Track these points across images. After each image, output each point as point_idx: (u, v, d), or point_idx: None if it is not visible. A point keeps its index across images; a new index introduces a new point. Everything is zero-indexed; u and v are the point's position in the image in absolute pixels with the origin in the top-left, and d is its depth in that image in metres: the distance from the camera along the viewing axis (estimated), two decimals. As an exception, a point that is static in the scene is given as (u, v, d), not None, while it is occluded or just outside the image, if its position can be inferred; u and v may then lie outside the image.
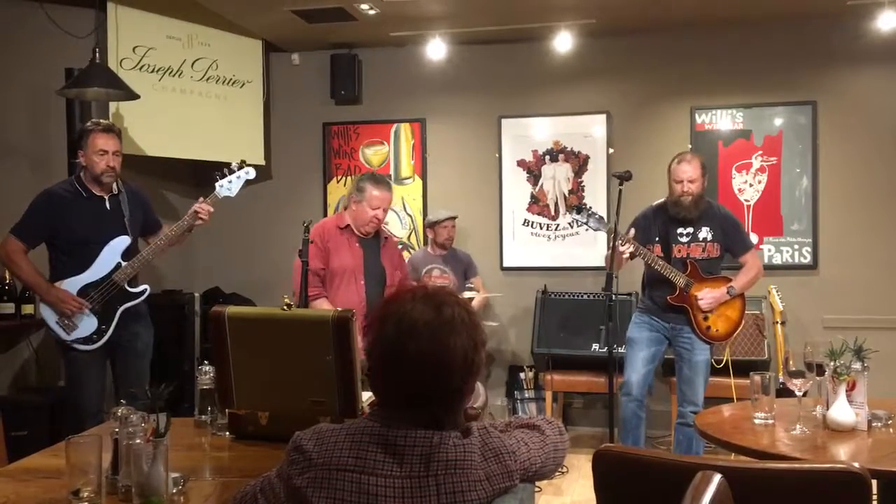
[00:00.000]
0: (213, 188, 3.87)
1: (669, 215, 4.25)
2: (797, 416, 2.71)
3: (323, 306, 3.77)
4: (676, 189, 4.19)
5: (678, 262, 4.21)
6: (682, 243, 4.23)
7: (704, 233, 4.22)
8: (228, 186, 3.86)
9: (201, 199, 3.82)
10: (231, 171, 3.87)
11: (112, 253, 3.76)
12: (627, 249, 4.05)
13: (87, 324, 3.74)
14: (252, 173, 3.95)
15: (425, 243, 5.73)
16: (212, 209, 3.80)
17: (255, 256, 6.23)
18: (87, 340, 3.74)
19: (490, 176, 6.04)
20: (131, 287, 3.83)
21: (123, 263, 3.77)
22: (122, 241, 3.79)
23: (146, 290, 3.90)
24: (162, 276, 5.76)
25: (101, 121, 3.92)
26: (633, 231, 4.17)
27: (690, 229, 4.23)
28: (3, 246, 3.76)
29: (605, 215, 5.48)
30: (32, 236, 3.76)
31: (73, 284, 3.72)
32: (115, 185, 3.84)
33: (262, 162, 5.95)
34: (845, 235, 5.52)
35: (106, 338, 3.77)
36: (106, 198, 3.82)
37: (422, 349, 1.48)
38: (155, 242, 3.86)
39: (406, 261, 4.84)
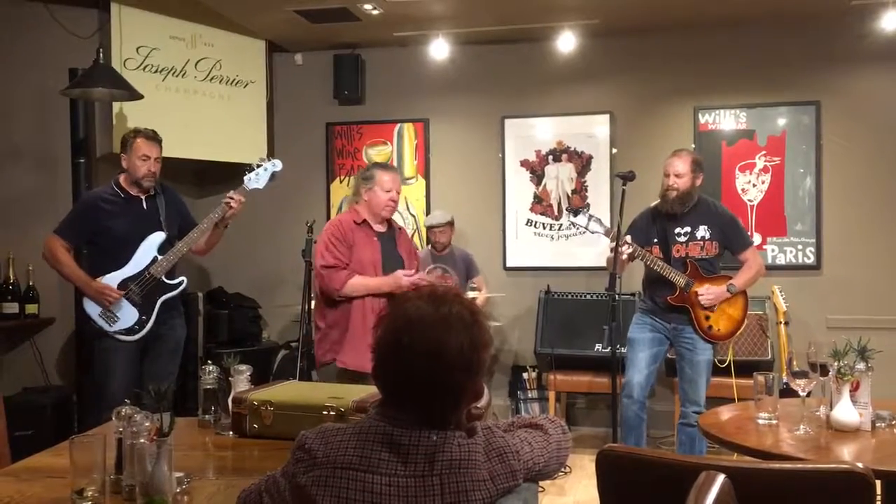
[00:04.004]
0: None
1: (662, 213, 4.25)
2: (801, 416, 2.71)
3: (359, 281, 3.73)
4: (664, 182, 4.20)
5: (678, 262, 4.20)
6: (681, 243, 4.22)
7: (702, 231, 4.21)
8: (256, 179, 4.08)
9: (230, 192, 4.05)
10: (258, 165, 4.10)
11: (148, 248, 3.99)
12: (626, 251, 4.06)
13: (129, 315, 3.95)
14: (279, 165, 4.15)
15: (428, 243, 5.74)
16: (242, 199, 4.03)
17: (258, 256, 6.24)
18: (129, 331, 3.95)
19: (493, 176, 6.04)
20: (168, 279, 4.04)
21: (159, 257, 3.98)
22: (158, 237, 4.02)
23: (183, 281, 4.11)
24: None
25: (145, 128, 4.12)
26: (629, 237, 4.17)
27: (688, 228, 4.22)
28: (47, 244, 3.98)
29: (608, 215, 5.50)
30: (75, 236, 4.02)
31: (112, 279, 3.94)
32: (153, 188, 4.07)
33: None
34: (849, 235, 5.51)
35: (147, 328, 3.98)
36: (143, 198, 4.05)
37: (415, 345, 1.48)
38: (188, 235, 4.04)
39: None
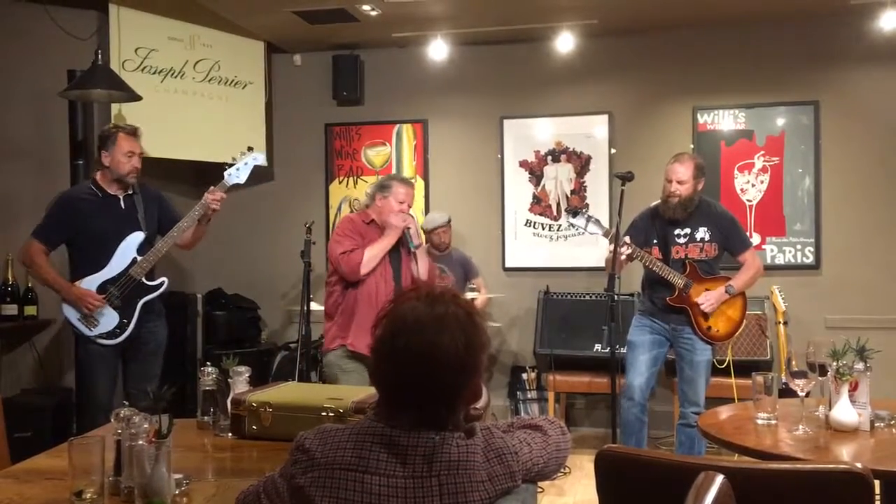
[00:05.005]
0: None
1: (662, 215, 4.24)
2: (800, 416, 2.70)
3: (370, 252, 3.93)
4: (666, 188, 4.19)
5: (677, 263, 4.20)
6: (680, 244, 4.22)
7: (702, 233, 4.21)
8: (237, 174, 3.99)
9: (211, 188, 3.94)
10: (238, 159, 4.01)
11: (127, 249, 3.89)
12: (625, 251, 4.06)
13: (109, 319, 3.86)
14: (260, 158, 4.11)
15: (426, 243, 5.73)
16: (223, 195, 3.93)
17: (257, 257, 6.24)
18: (110, 335, 3.86)
19: (492, 176, 6.04)
20: (149, 280, 3.95)
21: (139, 258, 3.89)
22: (137, 237, 3.92)
23: (164, 282, 4.01)
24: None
25: (126, 124, 4.06)
26: (628, 238, 4.17)
27: (688, 230, 4.22)
28: (26, 248, 3.89)
29: (607, 215, 5.50)
30: (53, 238, 3.91)
31: (92, 282, 3.84)
32: (132, 185, 3.99)
33: (263, 163, 5.95)
34: (848, 235, 5.51)
35: (128, 332, 3.89)
36: (121, 197, 3.95)
37: (409, 344, 1.48)
38: (168, 234, 3.94)
39: None
